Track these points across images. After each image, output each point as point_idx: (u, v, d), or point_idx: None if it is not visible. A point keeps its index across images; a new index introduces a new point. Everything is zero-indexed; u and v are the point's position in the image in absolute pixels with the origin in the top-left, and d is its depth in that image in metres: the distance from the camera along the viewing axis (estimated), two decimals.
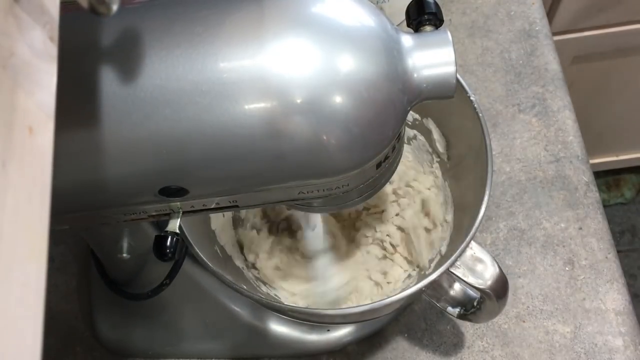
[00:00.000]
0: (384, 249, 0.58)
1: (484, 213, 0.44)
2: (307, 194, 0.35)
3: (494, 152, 0.65)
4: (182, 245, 0.37)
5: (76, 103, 0.31)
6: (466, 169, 0.52)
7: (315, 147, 0.31)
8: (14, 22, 0.21)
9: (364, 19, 0.32)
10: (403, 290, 0.44)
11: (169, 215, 0.37)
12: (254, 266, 0.56)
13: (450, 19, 0.74)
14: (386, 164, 0.36)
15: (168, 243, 0.36)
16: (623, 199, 1.40)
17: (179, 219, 0.37)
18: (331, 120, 0.31)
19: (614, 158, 1.30)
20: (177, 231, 0.36)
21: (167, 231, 0.36)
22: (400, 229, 0.57)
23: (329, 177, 0.33)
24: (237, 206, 0.37)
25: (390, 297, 0.44)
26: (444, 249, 0.54)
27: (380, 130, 0.32)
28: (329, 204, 0.40)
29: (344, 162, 0.32)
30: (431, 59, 0.33)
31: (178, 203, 0.35)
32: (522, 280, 0.60)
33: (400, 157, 0.39)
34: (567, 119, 0.67)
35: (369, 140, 0.32)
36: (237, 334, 0.57)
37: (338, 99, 0.30)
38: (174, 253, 0.36)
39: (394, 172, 0.40)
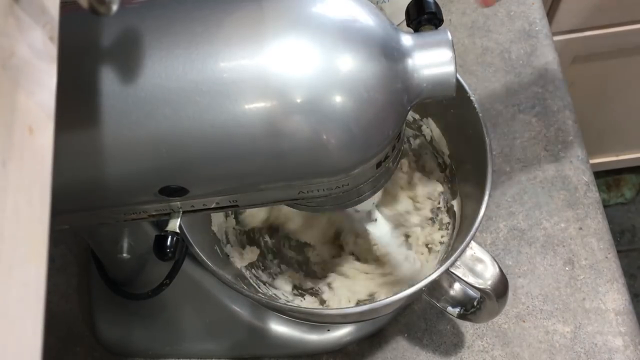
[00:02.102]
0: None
1: (484, 213, 0.44)
2: (307, 194, 0.35)
3: (494, 152, 0.65)
4: (182, 245, 0.37)
5: (76, 103, 0.31)
6: (466, 169, 0.52)
7: (315, 146, 0.31)
8: (14, 22, 0.21)
9: (364, 19, 0.32)
10: (403, 290, 0.44)
11: (169, 215, 0.37)
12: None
13: (450, 19, 0.74)
14: (386, 164, 0.36)
15: (168, 243, 0.36)
16: (623, 199, 1.40)
17: (179, 219, 0.37)
18: (331, 119, 0.31)
19: (614, 158, 1.30)
20: (177, 231, 0.36)
21: (167, 231, 0.36)
22: None
23: (329, 176, 0.33)
24: (237, 205, 0.37)
25: (390, 297, 0.44)
26: (442, 250, 0.54)
27: (381, 130, 0.32)
28: (329, 204, 0.40)
29: (344, 162, 0.32)
30: (431, 58, 0.33)
31: (178, 203, 0.35)
32: (522, 280, 0.60)
33: (400, 157, 0.39)
34: (567, 119, 0.67)
35: (369, 140, 0.32)
36: (237, 334, 0.57)
37: (338, 99, 0.30)
38: (174, 252, 0.36)
39: (393, 171, 0.40)
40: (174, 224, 0.36)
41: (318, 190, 0.35)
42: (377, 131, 0.32)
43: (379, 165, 0.35)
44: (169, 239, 0.36)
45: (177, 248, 0.36)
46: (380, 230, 0.54)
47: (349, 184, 0.35)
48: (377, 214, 0.52)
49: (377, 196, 0.56)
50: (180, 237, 0.36)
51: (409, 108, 0.34)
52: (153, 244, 0.36)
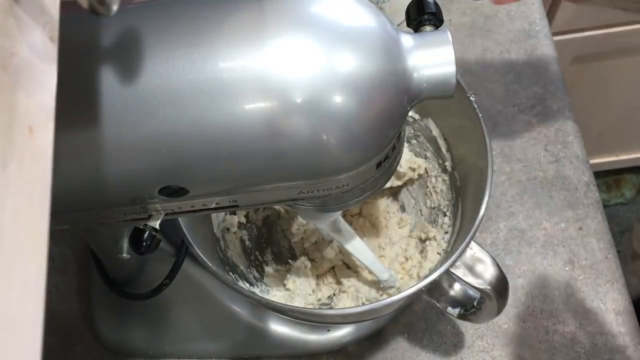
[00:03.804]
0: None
1: (484, 213, 0.44)
2: (308, 194, 0.35)
3: (494, 152, 0.65)
4: (158, 242, 0.37)
5: (76, 103, 0.31)
6: (466, 169, 0.52)
7: (315, 146, 0.31)
8: (14, 22, 0.21)
9: (364, 19, 0.32)
10: (403, 290, 0.44)
11: (169, 215, 0.37)
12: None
13: (450, 19, 0.74)
14: (386, 164, 0.36)
15: (145, 236, 0.36)
16: (623, 199, 1.40)
17: (160, 218, 0.37)
18: (331, 119, 0.31)
19: (614, 158, 1.30)
20: (157, 227, 0.36)
21: (146, 225, 0.36)
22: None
23: (328, 176, 0.33)
24: (237, 206, 0.37)
25: (391, 297, 0.44)
26: (442, 250, 0.54)
27: (381, 130, 0.32)
28: (329, 204, 0.40)
29: (343, 162, 0.32)
30: (431, 58, 0.33)
31: (177, 203, 0.35)
32: (522, 280, 0.60)
33: (401, 156, 0.39)
34: (567, 119, 0.67)
35: (369, 140, 0.32)
36: (237, 334, 0.57)
37: (338, 99, 0.30)
38: (149, 247, 0.36)
39: (394, 171, 0.40)
40: (155, 222, 0.36)
41: (318, 191, 0.35)
42: (377, 131, 0.32)
43: (379, 165, 0.35)
44: (146, 233, 0.36)
45: (153, 244, 0.36)
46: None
47: (349, 184, 0.35)
48: (343, 225, 0.51)
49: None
50: (157, 234, 0.36)
51: (409, 108, 0.34)
52: (129, 235, 0.36)
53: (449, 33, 0.34)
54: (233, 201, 0.36)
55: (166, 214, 0.37)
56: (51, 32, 0.22)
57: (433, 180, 0.57)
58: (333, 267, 0.57)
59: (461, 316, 0.52)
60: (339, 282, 0.57)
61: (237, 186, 0.34)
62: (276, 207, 0.59)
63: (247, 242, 0.58)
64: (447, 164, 0.54)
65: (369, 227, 0.59)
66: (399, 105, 0.33)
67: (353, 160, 0.33)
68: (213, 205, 0.36)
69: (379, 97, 0.31)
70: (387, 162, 0.36)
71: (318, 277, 0.57)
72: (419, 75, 0.33)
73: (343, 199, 0.38)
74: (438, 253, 0.55)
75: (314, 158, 0.32)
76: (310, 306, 0.55)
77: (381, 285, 0.55)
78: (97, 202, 0.35)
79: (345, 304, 0.55)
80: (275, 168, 0.32)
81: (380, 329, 0.58)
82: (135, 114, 0.30)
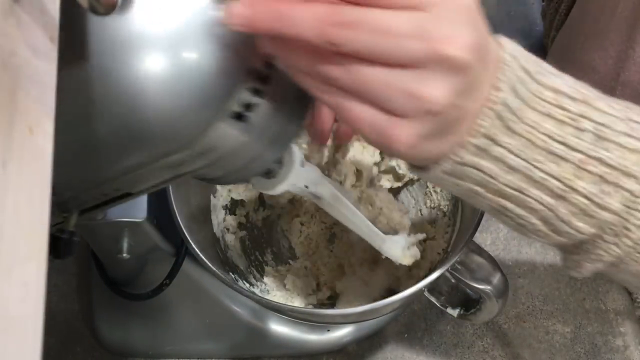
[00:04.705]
0: None
1: (484, 213, 0.44)
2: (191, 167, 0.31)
3: None
4: (77, 244, 0.37)
5: None
6: None
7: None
8: (14, 22, 0.21)
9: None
10: (403, 290, 0.44)
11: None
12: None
13: None
14: (253, 121, 0.29)
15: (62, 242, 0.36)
16: None
17: (74, 219, 0.36)
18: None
19: None
20: (72, 229, 0.36)
21: (64, 230, 0.36)
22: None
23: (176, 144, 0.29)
24: (130, 194, 0.34)
25: (391, 297, 0.44)
26: (442, 250, 0.54)
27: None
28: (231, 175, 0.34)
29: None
30: None
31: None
32: (522, 280, 0.60)
33: (292, 119, 0.32)
34: None
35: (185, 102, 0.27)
36: (237, 334, 0.57)
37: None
38: (70, 250, 0.36)
39: (287, 140, 0.33)
40: (70, 223, 0.36)
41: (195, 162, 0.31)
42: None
43: (239, 118, 0.29)
44: (63, 238, 0.36)
45: (72, 246, 0.36)
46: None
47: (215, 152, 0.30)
48: (326, 190, 0.43)
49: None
50: (74, 236, 0.36)
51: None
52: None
53: None
54: (116, 189, 0.33)
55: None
56: (51, 32, 0.22)
57: None
58: (333, 267, 0.57)
59: (461, 316, 0.52)
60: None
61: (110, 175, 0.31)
62: (276, 207, 0.59)
63: (247, 242, 0.58)
64: None
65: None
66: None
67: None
68: (103, 199, 0.34)
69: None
70: (254, 117, 0.29)
71: (318, 277, 0.57)
72: None
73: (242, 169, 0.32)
74: (438, 253, 0.55)
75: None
76: (310, 306, 0.55)
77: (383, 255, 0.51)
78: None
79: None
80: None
81: (380, 329, 0.58)
82: None
